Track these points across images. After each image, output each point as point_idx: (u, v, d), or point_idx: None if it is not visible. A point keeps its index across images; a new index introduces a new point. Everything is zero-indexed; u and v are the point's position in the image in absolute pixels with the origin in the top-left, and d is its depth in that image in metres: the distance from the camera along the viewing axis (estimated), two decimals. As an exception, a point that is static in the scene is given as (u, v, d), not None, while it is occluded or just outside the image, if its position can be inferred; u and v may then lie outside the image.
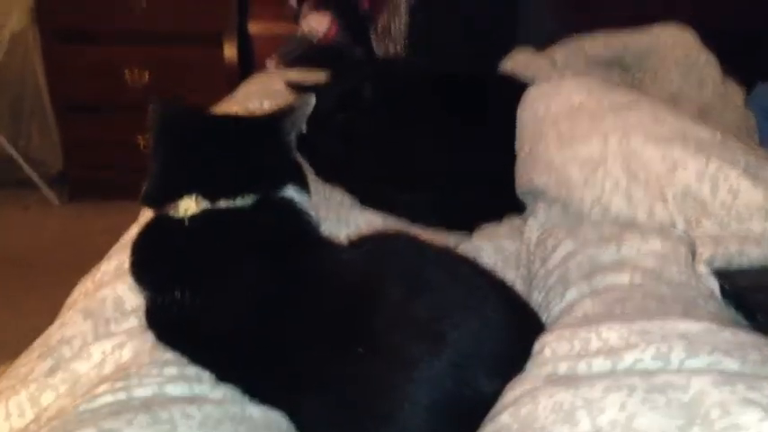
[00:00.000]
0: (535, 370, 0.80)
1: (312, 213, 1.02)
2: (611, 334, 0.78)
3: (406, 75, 1.64)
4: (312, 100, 1.05)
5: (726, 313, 0.89)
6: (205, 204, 0.95)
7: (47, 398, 0.91)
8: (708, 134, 1.09)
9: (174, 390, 0.85)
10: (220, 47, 2.53)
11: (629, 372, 0.73)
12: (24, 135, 3.00)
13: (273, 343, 0.85)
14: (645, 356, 0.74)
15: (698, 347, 0.73)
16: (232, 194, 0.96)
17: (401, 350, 0.79)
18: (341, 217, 1.29)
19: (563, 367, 0.78)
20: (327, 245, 1.00)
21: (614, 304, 0.88)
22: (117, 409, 0.81)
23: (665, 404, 0.65)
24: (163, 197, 0.98)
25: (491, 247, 1.18)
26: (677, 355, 0.73)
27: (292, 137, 1.05)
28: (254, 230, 0.96)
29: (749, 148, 1.11)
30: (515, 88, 1.39)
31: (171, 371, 0.88)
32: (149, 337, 0.94)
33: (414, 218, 1.32)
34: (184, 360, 0.90)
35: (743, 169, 1.02)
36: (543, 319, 0.97)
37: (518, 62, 1.80)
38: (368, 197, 1.38)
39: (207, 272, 0.92)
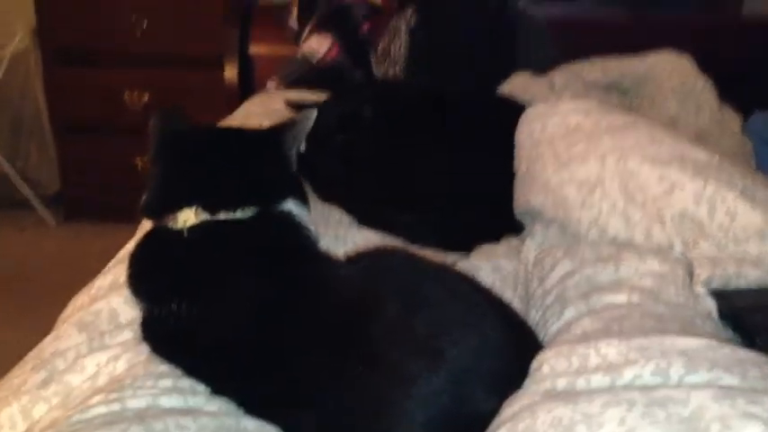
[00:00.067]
0: (533, 386, 0.79)
1: (311, 227, 1.02)
2: (610, 350, 0.78)
3: (406, 97, 1.65)
4: (313, 115, 1.05)
5: (723, 334, 0.89)
6: (205, 216, 0.95)
7: (39, 410, 0.90)
8: (705, 156, 1.10)
9: (169, 402, 0.85)
10: (220, 69, 2.54)
11: (629, 387, 0.73)
12: (22, 155, 3.01)
13: (270, 356, 0.85)
14: (644, 372, 0.74)
15: (697, 363, 0.73)
16: (232, 206, 0.96)
17: (399, 366, 0.79)
18: (339, 235, 1.29)
19: (562, 383, 0.77)
20: (326, 259, 1.00)
21: (612, 322, 0.88)
22: (110, 420, 0.80)
23: (665, 419, 0.65)
24: (162, 208, 0.97)
25: (489, 267, 1.18)
26: (676, 371, 0.72)
27: (293, 151, 1.05)
28: (254, 243, 0.96)
29: (746, 171, 1.12)
30: (514, 110, 1.41)
31: (166, 383, 0.87)
32: (144, 350, 0.94)
33: (412, 238, 1.32)
34: (179, 372, 0.90)
35: (740, 192, 1.03)
36: (541, 337, 0.96)
37: (516, 85, 1.81)
38: (367, 217, 1.38)
39: (205, 283, 0.91)
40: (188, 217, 0.95)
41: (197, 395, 0.87)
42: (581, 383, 0.76)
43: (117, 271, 1.10)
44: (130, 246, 1.09)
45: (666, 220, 1.05)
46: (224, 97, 2.50)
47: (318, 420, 0.81)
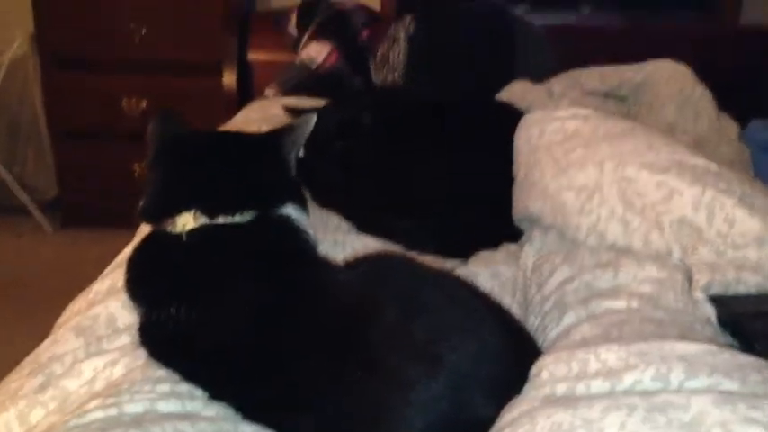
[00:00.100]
0: (533, 392, 0.79)
1: (310, 232, 1.02)
2: (610, 355, 0.78)
3: (405, 103, 1.66)
4: (313, 120, 1.05)
5: (723, 339, 0.89)
6: (204, 220, 0.95)
7: (36, 415, 0.89)
8: (703, 163, 1.10)
9: (167, 406, 0.84)
10: (219, 75, 2.55)
11: (629, 392, 0.73)
12: (20, 161, 3.00)
13: (269, 361, 0.84)
14: (644, 377, 0.73)
15: (697, 368, 0.73)
16: (231, 211, 0.96)
17: (398, 372, 0.79)
18: (338, 240, 1.29)
19: (561, 388, 0.77)
20: (324, 264, 1.00)
21: (611, 328, 0.88)
22: (108, 425, 0.79)
23: (666, 424, 0.65)
24: (161, 212, 0.97)
25: (487, 273, 1.18)
26: (677, 376, 0.72)
27: (293, 155, 1.05)
28: (252, 247, 0.95)
29: (745, 178, 1.12)
30: (512, 116, 1.41)
31: (163, 388, 0.87)
32: (142, 355, 0.93)
33: (411, 244, 1.32)
34: (177, 377, 0.89)
35: (739, 198, 1.03)
36: (539, 343, 0.96)
37: (515, 93, 1.82)
38: (366, 224, 1.38)
39: (204, 287, 0.91)
40: (187, 221, 0.95)
41: (195, 400, 0.86)
42: (581, 389, 0.76)
43: (115, 275, 1.09)
44: (128, 250, 1.09)
45: (665, 227, 1.05)
46: (222, 104, 2.50)
47: (317, 426, 0.81)
